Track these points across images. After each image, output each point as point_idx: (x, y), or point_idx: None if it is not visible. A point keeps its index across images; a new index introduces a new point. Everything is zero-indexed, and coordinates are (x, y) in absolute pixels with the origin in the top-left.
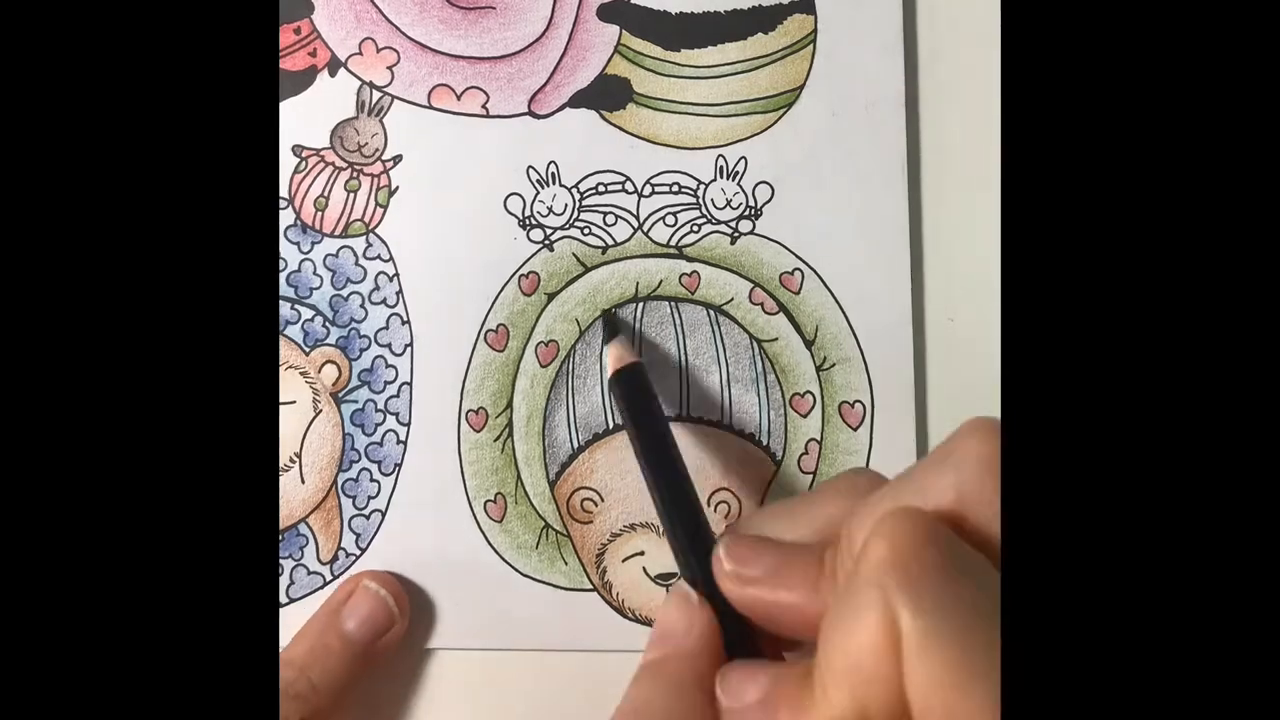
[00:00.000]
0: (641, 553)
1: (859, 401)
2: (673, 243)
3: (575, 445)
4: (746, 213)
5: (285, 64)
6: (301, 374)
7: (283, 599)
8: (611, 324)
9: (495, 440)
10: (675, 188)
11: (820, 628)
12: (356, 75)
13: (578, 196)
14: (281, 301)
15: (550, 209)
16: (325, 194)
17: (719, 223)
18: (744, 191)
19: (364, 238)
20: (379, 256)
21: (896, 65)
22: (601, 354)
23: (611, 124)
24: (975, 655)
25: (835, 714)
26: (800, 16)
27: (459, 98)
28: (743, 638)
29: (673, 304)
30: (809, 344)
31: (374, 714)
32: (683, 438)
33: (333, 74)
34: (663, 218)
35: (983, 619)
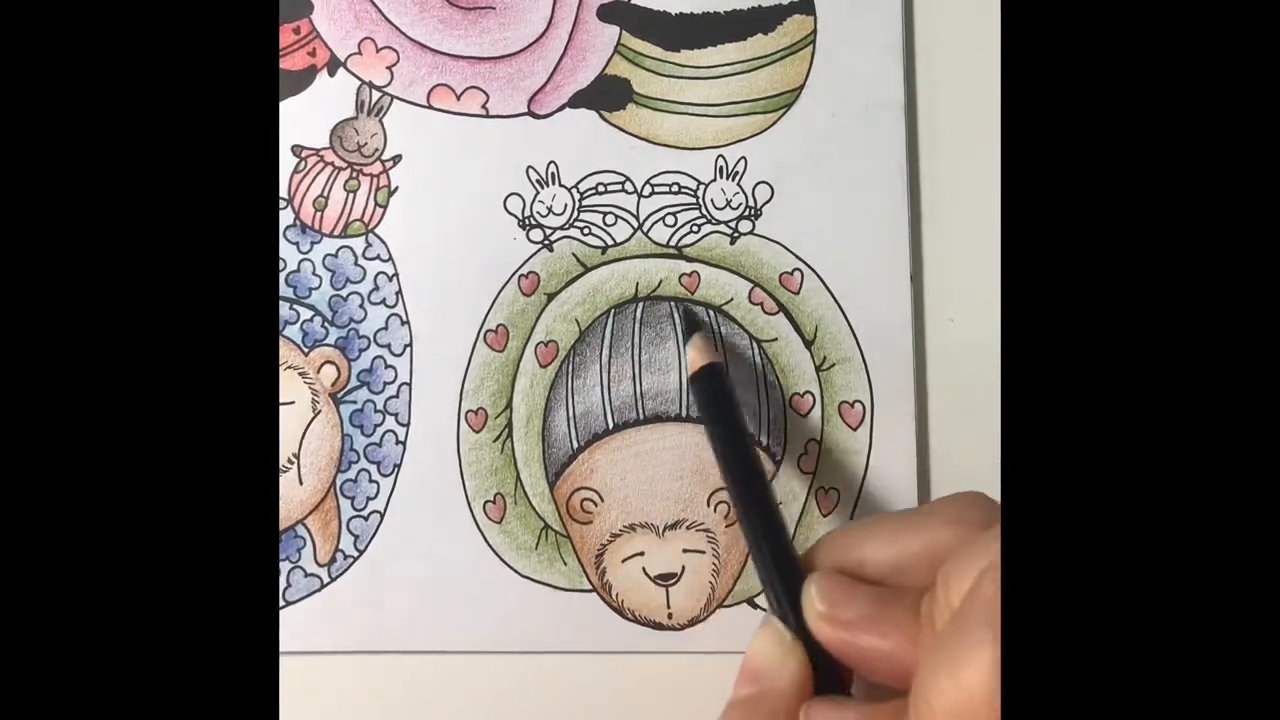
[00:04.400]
0: (641, 553)
1: (859, 401)
2: (672, 243)
3: (575, 446)
4: (746, 213)
5: (284, 64)
6: (300, 374)
7: (280, 601)
8: (691, 319)
9: (495, 441)
10: (675, 188)
11: (918, 667)
12: (356, 75)
13: (577, 197)
14: (280, 302)
15: (550, 209)
16: (324, 194)
17: (719, 223)
18: (744, 191)
19: (363, 238)
20: (378, 256)
21: (896, 65)
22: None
23: (611, 124)
24: None
25: None
26: (800, 17)
27: (459, 98)
28: (832, 674)
29: (673, 304)
30: (809, 344)
31: (373, 716)
32: (683, 438)
33: (332, 74)
34: (662, 218)
35: None
